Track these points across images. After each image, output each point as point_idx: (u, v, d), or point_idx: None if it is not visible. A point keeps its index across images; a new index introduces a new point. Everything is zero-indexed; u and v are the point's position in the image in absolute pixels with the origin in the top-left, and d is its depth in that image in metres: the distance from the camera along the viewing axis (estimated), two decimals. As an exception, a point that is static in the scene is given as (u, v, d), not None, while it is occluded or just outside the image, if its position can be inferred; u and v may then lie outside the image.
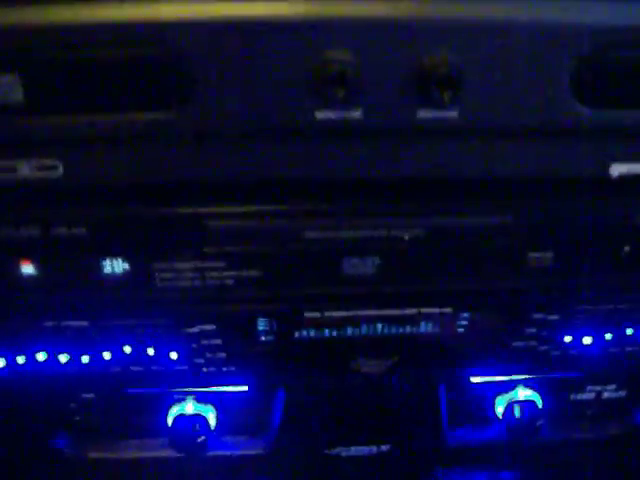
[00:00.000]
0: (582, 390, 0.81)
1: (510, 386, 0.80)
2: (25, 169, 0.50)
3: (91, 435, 0.79)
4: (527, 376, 0.78)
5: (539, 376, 0.78)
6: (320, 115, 0.49)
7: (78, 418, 0.77)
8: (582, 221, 0.59)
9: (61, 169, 0.51)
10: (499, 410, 0.80)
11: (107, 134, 0.49)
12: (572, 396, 0.81)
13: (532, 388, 0.79)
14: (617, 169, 0.55)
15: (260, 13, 0.45)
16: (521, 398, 0.79)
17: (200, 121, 0.49)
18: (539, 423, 0.78)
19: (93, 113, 0.48)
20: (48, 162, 0.50)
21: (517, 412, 0.78)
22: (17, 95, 0.47)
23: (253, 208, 0.56)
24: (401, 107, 0.50)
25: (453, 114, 0.50)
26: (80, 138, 0.49)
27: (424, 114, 0.50)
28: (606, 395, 0.82)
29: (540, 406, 0.78)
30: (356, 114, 0.49)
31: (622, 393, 0.82)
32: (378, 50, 0.47)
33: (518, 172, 0.54)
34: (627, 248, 0.61)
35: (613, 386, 0.81)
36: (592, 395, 0.81)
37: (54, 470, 0.78)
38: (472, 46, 0.47)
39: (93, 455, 0.79)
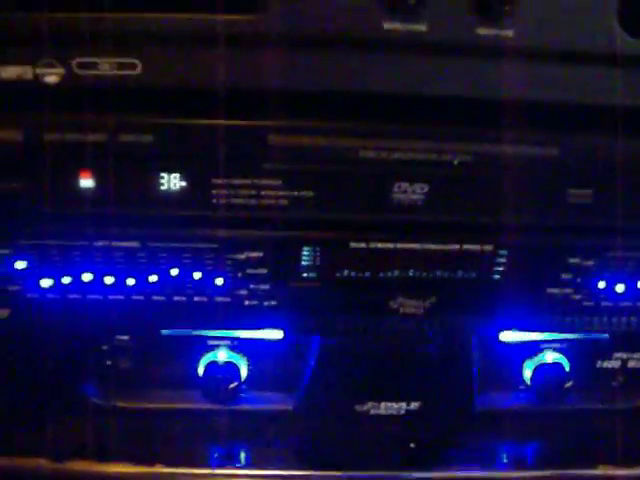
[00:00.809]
0: (609, 357, 0.84)
1: (538, 350, 0.83)
2: (106, 65, 0.55)
3: (120, 383, 0.80)
4: (555, 337, 0.81)
5: (568, 338, 0.81)
6: (388, 25, 0.54)
7: (109, 362, 0.79)
8: (623, 159, 0.64)
9: (140, 68, 0.55)
10: (527, 374, 0.83)
11: (187, 34, 0.53)
12: (599, 363, 0.84)
13: (560, 352, 0.83)
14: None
15: None
16: (549, 361, 0.82)
17: (276, 26, 0.53)
18: (567, 386, 0.81)
19: (175, 12, 0.53)
20: (128, 60, 0.55)
21: (544, 375, 0.81)
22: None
23: (312, 123, 0.60)
24: (463, 23, 0.55)
25: (508, 33, 0.55)
26: (161, 37, 0.54)
27: (483, 31, 0.55)
28: (632, 364, 0.85)
29: (568, 370, 0.81)
30: (421, 27, 0.55)
31: (648, 362, 0.85)
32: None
33: (564, 98, 0.59)
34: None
35: (639, 354, 0.84)
36: (618, 363, 0.84)
37: (80, 417, 0.79)
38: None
39: (124, 405, 0.80)
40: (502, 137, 0.62)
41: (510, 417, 0.84)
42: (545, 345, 0.83)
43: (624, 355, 0.85)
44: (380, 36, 0.54)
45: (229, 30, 0.53)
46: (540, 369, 0.81)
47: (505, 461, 0.83)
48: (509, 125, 0.61)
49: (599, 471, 0.78)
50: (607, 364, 0.85)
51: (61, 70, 0.55)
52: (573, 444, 0.83)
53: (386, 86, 0.58)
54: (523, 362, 0.83)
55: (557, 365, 0.81)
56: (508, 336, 0.81)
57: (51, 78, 0.55)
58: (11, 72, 0.55)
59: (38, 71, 0.55)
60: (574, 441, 0.83)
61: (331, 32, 0.54)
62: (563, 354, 0.83)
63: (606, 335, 0.83)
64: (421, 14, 0.54)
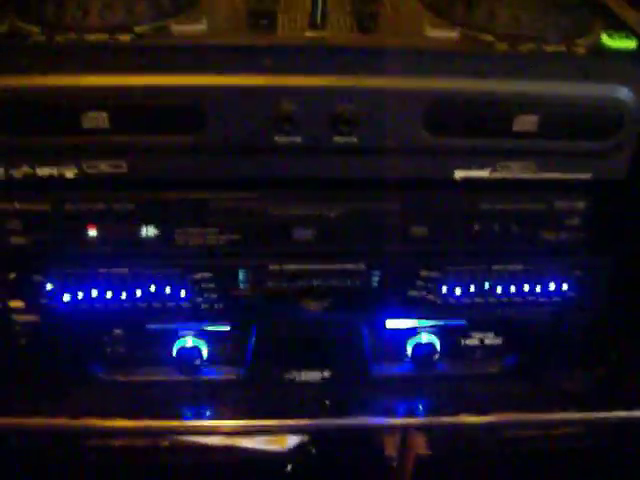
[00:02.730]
0: (469, 337, 1.26)
1: (416, 333, 1.25)
2: (103, 166, 0.96)
3: (119, 363, 1.22)
4: (428, 324, 1.23)
5: (435, 323, 1.23)
6: (277, 139, 0.95)
7: (109, 349, 1.21)
8: (444, 207, 1.06)
9: (125, 167, 0.96)
10: (409, 350, 1.25)
11: (154, 148, 0.95)
12: (462, 341, 1.26)
13: (432, 334, 1.25)
14: (459, 174, 1.01)
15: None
16: (424, 341, 1.24)
17: (208, 142, 0.95)
18: (436, 357, 1.23)
19: (150, 135, 0.94)
20: (118, 163, 0.96)
21: (420, 350, 1.23)
22: (105, 124, 0.92)
23: (237, 194, 1.02)
24: (324, 136, 0.96)
25: (354, 140, 0.96)
26: (141, 149, 0.95)
27: (338, 140, 0.96)
28: (487, 342, 1.27)
29: (437, 347, 1.24)
30: (298, 139, 0.96)
31: (498, 340, 1.27)
32: (314, 104, 0.93)
33: (397, 173, 1.00)
34: (477, 227, 1.07)
35: (492, 334, 1.26)
36: (476, 341, 1.27)
37: (91, 390, 1.21)
38: (365, 104, 0.94)
39: (120, 378, 1.23)
40: (361, 198, 1.04)
41: (397, 381, 1.26)
42: (421, 329, 1.25)
43: (480, 335, 1.27)
44: (273, 146, 0.95)
45: (177, 145, 0.94)
46: (417, 346, 1.24)
47: (395, 412, 1.25)
48: (364, 190, 1.03)
49: (460, 418, 1.20)
50: (468, 342, 1.27)
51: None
52: (443, 400, 1.25)
53: (280, 174, 0.99)
54: (406, 341, 1.25)
55: (429, 344, 1.23)
56: (392, 324, 1.23)
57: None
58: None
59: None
60: (443, 398, 1.26)
61: (244, 145, 0.95)
62: (434, 335, 1.25)
63: (464, 321, 1.25)
64: (298, 132, 0.95)
